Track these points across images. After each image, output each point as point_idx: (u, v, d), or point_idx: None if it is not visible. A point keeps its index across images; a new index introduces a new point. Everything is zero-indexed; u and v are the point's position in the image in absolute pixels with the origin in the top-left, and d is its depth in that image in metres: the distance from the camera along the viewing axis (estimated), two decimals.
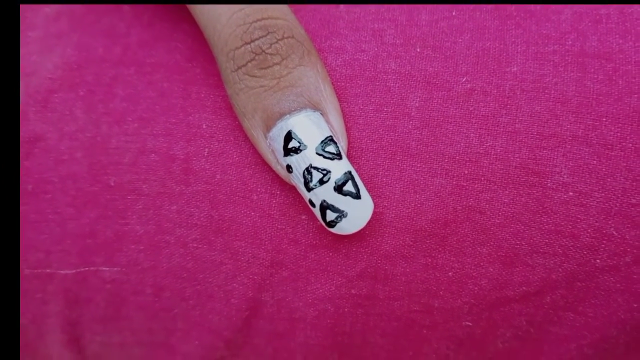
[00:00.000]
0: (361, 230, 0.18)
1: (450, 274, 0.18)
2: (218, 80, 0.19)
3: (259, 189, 0.19)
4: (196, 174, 0.19)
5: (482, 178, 0.18)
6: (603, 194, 0.17)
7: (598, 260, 0.17)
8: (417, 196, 0.18)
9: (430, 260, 0.18)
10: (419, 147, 0.18)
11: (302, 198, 0.18)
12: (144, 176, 0.19)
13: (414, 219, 0.18)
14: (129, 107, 0.20)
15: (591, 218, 0.17)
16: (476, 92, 0.18)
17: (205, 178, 0.19)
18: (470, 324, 0.19)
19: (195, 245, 0.19)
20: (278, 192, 0.19)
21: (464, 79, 0.18)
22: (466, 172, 0.18)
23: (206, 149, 0.19)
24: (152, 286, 0.20)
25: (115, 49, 0.20)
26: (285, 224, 0.19)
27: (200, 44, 0.19)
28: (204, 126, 0.19)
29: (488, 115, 0.18)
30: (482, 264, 0.18)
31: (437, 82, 0.18)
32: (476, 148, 0.18)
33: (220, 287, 0.20)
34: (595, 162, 0.17)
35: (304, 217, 0.19)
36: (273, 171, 0.19)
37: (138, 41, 0.20)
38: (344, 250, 0.19)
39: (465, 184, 0.18)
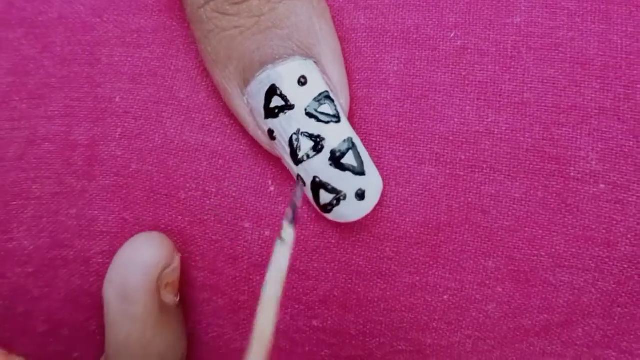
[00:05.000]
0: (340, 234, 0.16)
1: (445, 297, 0.16)
2: (140, 39, 0.17)
3: (188, 185, 0.17)
4: (104, 164, 0.17)
5: (484, 165, 0.16)
6: None
7: None
8: (400, 191, 0.16)
9: (417, 278, 0.16)
10: (400, 124, 0.16)
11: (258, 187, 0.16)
12: (34, 174, 0.17)
13: (396, 222, 0.16)
14: (16, 81, 0.18)
15: (631, 219, 0.16)
16: (469, 51, 0.16)
17: (115, 169, 0.17)
18: None
19: (101, 261, 0.17)
20: (214, 190, 0.17)
21: (452, 34, 0.16)
22: (463, 157, 0.16)
23: (119, 130, 0.17)
24: (46, 322, 0.18)
25: None
26: (221, 236, 0.17)
27: None
28: (117, 99, 0.17)
29: (487, 82, 0.16)
30: (487, 282, 0.16)
31: (419, 38, 0.16)
32: (474, 125, 0.16)
33: None
34: (631, 143, 0.15)
35: (247, 225, 0.17)
36: (209, 161, 0.17)
37: None
38: (301, 268, 0.16)
39: (462, 174, 0.16)
